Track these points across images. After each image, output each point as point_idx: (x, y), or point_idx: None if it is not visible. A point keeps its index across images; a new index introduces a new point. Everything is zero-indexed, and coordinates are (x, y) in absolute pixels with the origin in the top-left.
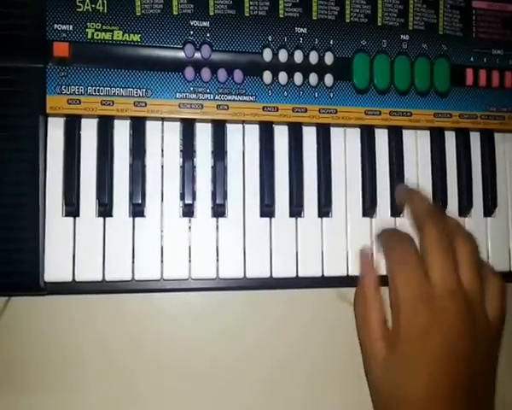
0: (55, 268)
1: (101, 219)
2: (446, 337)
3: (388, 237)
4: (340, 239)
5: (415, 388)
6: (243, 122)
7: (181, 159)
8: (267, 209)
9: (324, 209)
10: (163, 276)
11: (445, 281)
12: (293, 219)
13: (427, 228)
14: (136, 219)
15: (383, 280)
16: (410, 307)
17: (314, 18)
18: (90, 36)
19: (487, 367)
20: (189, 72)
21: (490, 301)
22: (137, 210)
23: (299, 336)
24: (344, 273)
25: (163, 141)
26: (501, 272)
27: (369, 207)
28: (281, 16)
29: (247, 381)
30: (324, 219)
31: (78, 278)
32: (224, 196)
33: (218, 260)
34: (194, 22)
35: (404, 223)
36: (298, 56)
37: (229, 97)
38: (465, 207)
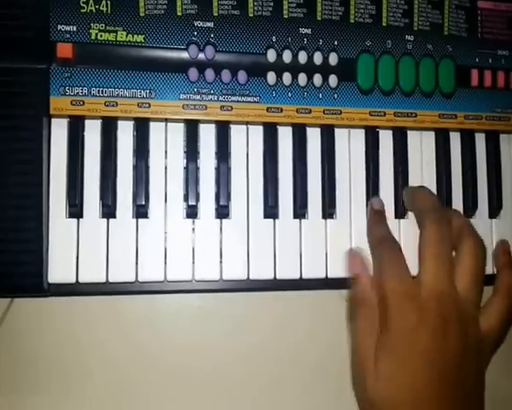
0: (58, 269)
1: (105, 220)
2: (432, 338)
3: (377, 247)
4: (345, 241)
5: (407, 387)
6: (247, 123)
7: (184, 160)
8: (271, 211)
9: (328, 211)
10: (166, 277)
11: (434, 283)
12: (297, 220)
13: (426, 227)
14: (140, 220)
15: None
16: (397, 307)
17: (318, 18)
18: (93, 37)
19: (476, 371)
20: (193, 73)
21: (488, 312)
22: (141, 211)
23: (302, 337)
24: (348, 275)
25: (167, 142)
26: None
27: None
28: (285, 17)
29: (250, 383)
30: (328, 220)
31: (81, 280)
32: (228, 198)
33: (221, 262)
34: (198, 23)
35: (408, 225)
36: (302, 57)
37: (232, 98)
38: (470, 208)
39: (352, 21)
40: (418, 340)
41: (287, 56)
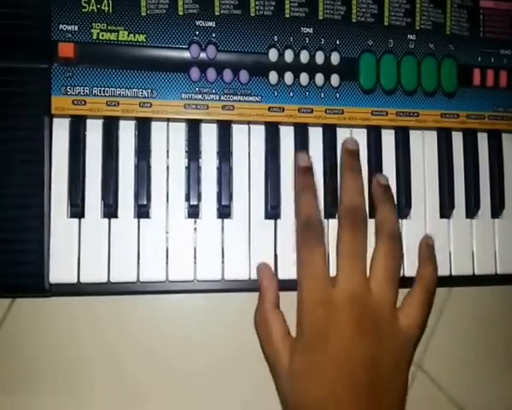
0: (59, 270)
1: (107, 220)
2: (342, 340)
3: (299, 238)
4: None
5: (316, 389)
6: (249, 123)
7: (186, 160)
8: (272, 211)
9: (330, 210)
10: (168, 277)
11: (348, 285)
12: None
13: (342, 229)
14: (142, 220)
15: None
16: (310, 310)
17: (320, 18)
18: (95, 36)
19: (394, 371)
20: (195, 72)
21: (407, 307)
22: (142, 211)
23: None
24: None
25: (168, 142)
26: (509, 274)
27: (374, 209)
28: (287, 16)
29: (252, 382)
30: (330, 220)
31: (83, 280)
32: (230, 198)
33: (223, 262)
34: (199, 22)
35: (410, 225)
36: (304, 56)
37: (234, 98)
38: (472, 208)
39: (353, 21)
40: (329, 342)
41: (288, 56)
